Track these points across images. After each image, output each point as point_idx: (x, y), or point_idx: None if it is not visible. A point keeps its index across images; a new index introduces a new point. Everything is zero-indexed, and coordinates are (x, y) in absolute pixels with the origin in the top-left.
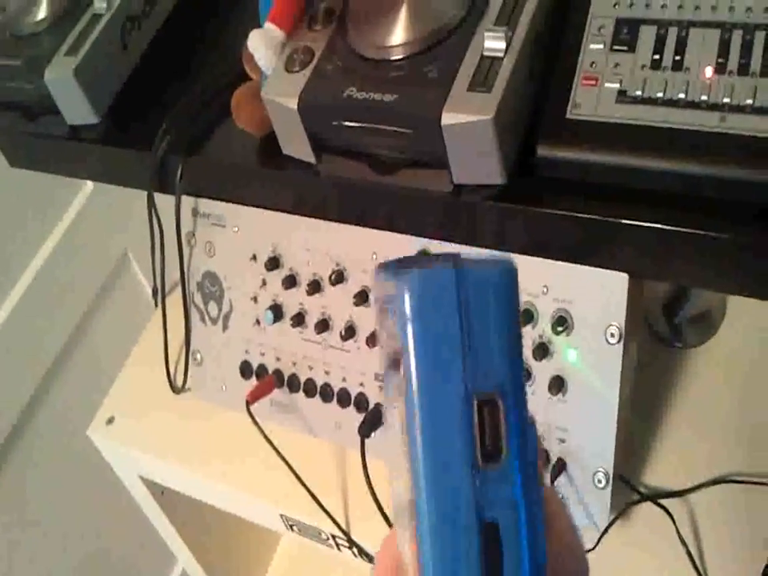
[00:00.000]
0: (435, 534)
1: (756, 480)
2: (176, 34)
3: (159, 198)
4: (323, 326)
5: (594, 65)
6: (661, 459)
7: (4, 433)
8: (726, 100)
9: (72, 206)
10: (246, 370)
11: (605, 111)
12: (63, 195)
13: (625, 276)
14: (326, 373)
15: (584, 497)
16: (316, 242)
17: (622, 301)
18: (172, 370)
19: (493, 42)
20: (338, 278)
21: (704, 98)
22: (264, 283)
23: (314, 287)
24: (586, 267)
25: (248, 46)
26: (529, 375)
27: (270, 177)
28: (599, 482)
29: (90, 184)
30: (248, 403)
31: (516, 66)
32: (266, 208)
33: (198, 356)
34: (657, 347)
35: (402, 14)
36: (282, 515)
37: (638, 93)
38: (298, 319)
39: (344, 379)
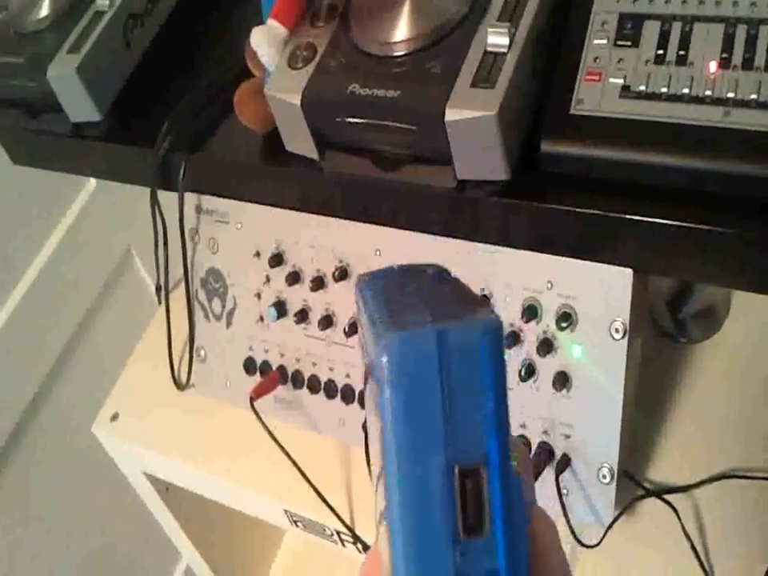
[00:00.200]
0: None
1: (761, 475)
2: (179, 31)
3: (162, 194)
4: (327, 322)
5: (597, 60)
6: (665, 454)
7: (8, 430)
8: (731, 95)
9: (75, 203)
10: (249, 366)
11: (608, 107)
12: (66, 192)
13: (629, 271)
14: (330, 369)
15: (589, 492)
16: (319, 238)
17: (626, 296)
18: (176, 367)
19: (496, 38)
20: (342, 274)
21: (708, 92)
22: (267, 280)
23: (318, 284)
24: (590, 263)
25: (251, 42)
26: (533, 371)
27: (274, 173)
28: (604, 477)
29: (92, 181)
30: (252, 399)
31: (519, 62)
32: (269, 204)
33: (202, 352)
34: (661, 343)
35: (405, 10)
36: (286, 511)
37: (642, 88)
38: (302, 316)
39: (348, 375)
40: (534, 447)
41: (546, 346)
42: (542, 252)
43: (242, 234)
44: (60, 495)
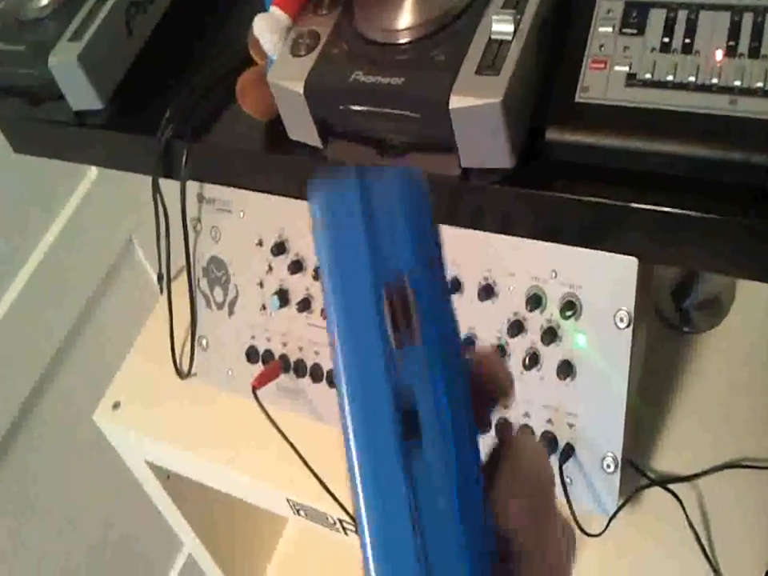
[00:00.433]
0: (355, 416)
1: (765, 465)
2: (181, 18)
3: (164, 183)
4: None
5: (602, 48)
6: (669, 444)
7: (10, 418)
8: (737, 83)
9: (76, 192)
10: (252, 355)
11: (614, 95)
12: (68, 182)
13: (634, 260)
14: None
15: (593, 481)
16: None
17: (631, 285)
18: (178, 356)
19: (501, 25)
20: None
21: (714, 81)
22: (270, 268)
23: None
24: (595, 251)
25: (253, 30)
26: (537, 360)
27: (276, 162)
28: (608, 466)
29: (94, 170)
30: (254, 388)
31: (524, 50)
32: (272, 193)
33: (204, 341)
34: (665, 332)
35: None
36: (288, 499)
37: (648, 76)
38: (305, 304)
39: None
40: (538, 437)
41: (550, 335)
42: (546, 241)
43: (244, 222)
44: (61, 484)
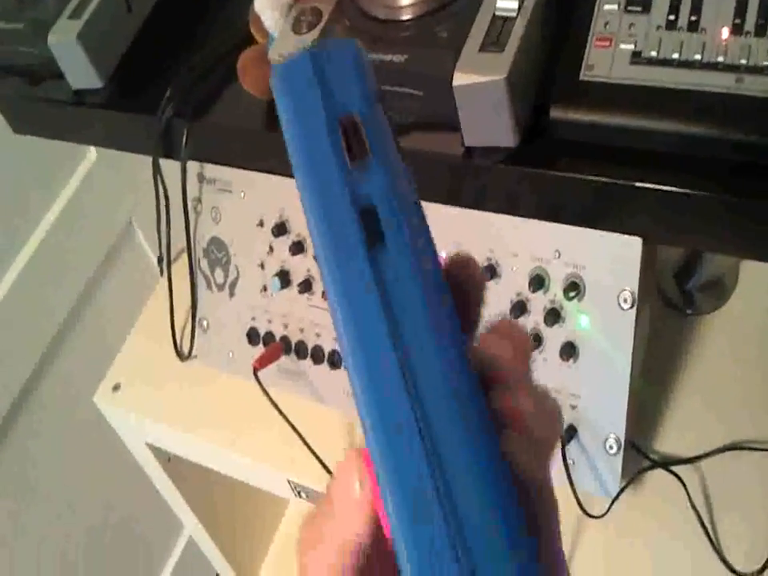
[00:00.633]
0: (317, 212)
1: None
2: None
3: (164, 163)
4: None
5: (607, 25)
6: (672, 426)
7: (10, 401)
8: (743, 61)
9: (76, 174)
10: (253, 336)
11: (619, 73)
12: (67, 163)
13: (638, 240)
14: (334, 339)
15: (595, 463)
16: None
17: (635, 266)
18: (178, 338)
19: (505, 2)
20: None
21: (720, 59)
22: (271, 249)
23: None
24: (599, 231)
25: (254, 7)
26: (540, 341)
27: (278, 141)
28: (610, 448)
29: (93, 152)
30: (255, 370)
31: (529, 26)
32: (273, 173)
33: (205, 323)
34: (668, 314)
35: None
36: (289, 481)
37: (653, 54)
38: (306, 285)
39: None
40: None
41: (554, 316)
42: (549, 221)
43: (245, 202)
44: (61, 466)
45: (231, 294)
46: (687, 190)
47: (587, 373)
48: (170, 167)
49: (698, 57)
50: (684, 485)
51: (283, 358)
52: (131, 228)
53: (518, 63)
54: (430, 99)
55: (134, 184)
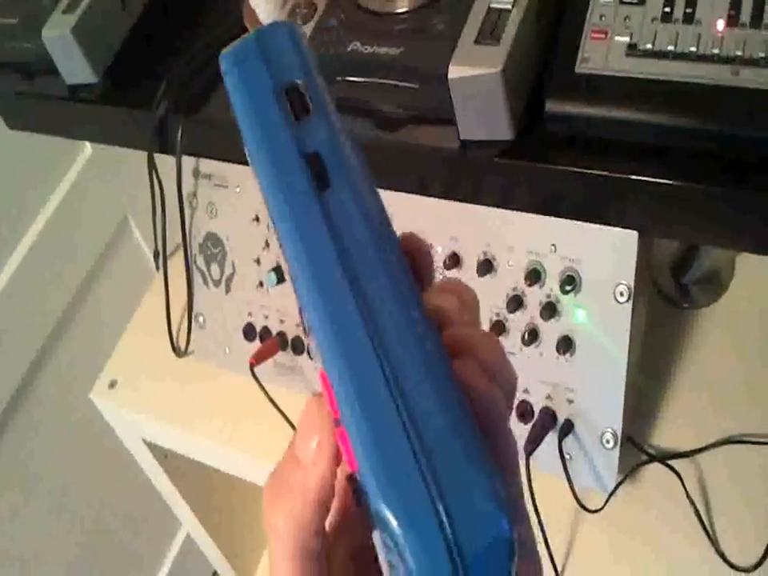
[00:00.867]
0: (268, 168)
1: (764, 440)
2: None
3: (160, 159)
4: None
5: (603, 18)
6: (669, 420)
7: (6, 397)
8: (739, 53)
9: (71, 170)
10: (249, 332)
11: (614, 65)
12: (62, 159)
13: (634, 234)
14: None
15: (592, 457)
16: None
17: (631, 259)
18: (174, 334)
19: None
20: None
21: (716, 51)
22: (267, 245)
23: None
24: (595, 225)
25: (249, 1)
26: (536, 335)
27: None
28: (607, 442)
29: (89, 148)
30: (252, 365)
31: (524, 19)
32: None
33: (201, 319)
34: (665, 308)
35: None
36: None
37: (649, 46)
38: None
39: None
40: (536, 412)
41: (550, 310)
42: (545, 214)
43: (241, 198)
44: (58, 463)
45: (227, 290)
46: (683, 183)
47: (584, 367)
48: (165, 163)
49: (693, 49)
50: (681, 479)
51: (280, 354)
52: (127, 224)
53: (514, 56)
54: (425, 92)
55: (130, 180)
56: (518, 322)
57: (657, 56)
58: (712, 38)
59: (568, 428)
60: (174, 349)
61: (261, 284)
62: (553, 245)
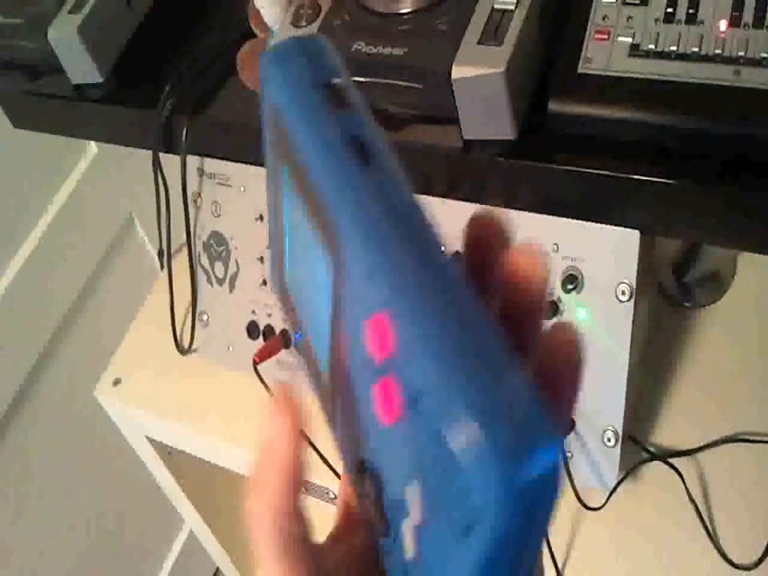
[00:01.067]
0: (315, 152)
1: (765, 439)
2: None
3: (164, 158)
4: None
5: (606, 18)
6: (670, 418)
7: (11, 395)
8: (741, 53)
9: (76, 169)
10: (252, 330)
11: (617, 65)
12: (68, 158)
13: (636, 233)
14: None
15: (593, 456)
16: None
17: (633, 258)
18: (178, 332)
19: None
20: None
21: (718, 51)
22: None
23: None
24: (597, 224)
25: (254, 2)
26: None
27: None
28: (608, 440)
29: (94, 147)
30: (255, 363)
31: (527, 20)
32: None
33: (205, 317)
34: (666, 307)
35: None
36: None
37: (651, 47)
38: None
39: None
40: None
41: (552, 309)
42: (548, 214)
43: (245, 197)
44: (62, 461)
45: (231, 288)
46: (685, 183)
47: (585, 365)
48: (170, 162)
49: (695, 49)
50: (682, 477)
51: (283, 352)
52: (132, 223)
53: (517, 56)
54: (429, 92)
55: (135, 179)
56: None
57: (659, 56)
58: (714, 39)
59: (569, 426)
60: (177, 347)
61: (264, 282)
62: (555, 244)
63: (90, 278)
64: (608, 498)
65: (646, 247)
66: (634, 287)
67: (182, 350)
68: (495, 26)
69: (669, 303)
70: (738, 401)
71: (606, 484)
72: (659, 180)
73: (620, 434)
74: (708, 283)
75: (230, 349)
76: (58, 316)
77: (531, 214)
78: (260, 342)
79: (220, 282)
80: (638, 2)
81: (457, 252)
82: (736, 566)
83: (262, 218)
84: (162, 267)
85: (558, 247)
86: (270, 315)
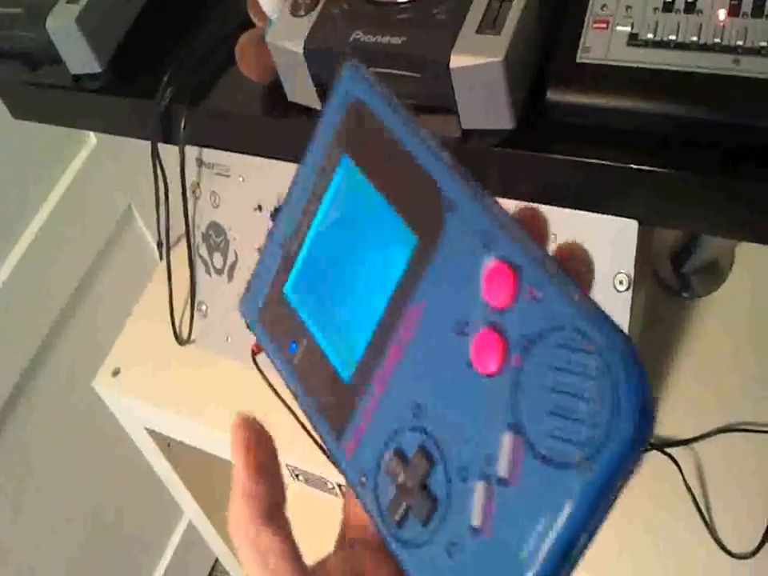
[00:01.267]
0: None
1: (762, 429)
2: None
3: (163, 148)
4: None
5: (604, 8)
6: (667, 408)
7: (10, 386)
8: (740, 42)
9: (76, 160)
10: None
11: (616, 55)
12: (67, 149)
13: (634, 223)
14: None
15: None
16: None
17: (630, 248)
18: (177, 322)
19: None
20: None
21: (717, 40)
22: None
23: None
24: (595, 214)
25: None
26: None
27: (275, 125)
28: None
29: (93, 138)
30: (254, 354)
31: (526, 9)
32: (271, 157)
33: (204, 308)
34: (664, 297)
35: None
36: (287, 465)
37: (650, 36)
38: None
39: None
40: None
41: None
42: (546, 203)
43: (243, 187)
44: (61, 452)
45: (230, 279)
46: (683, 172)
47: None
48: (169, 152)
49: (694, 38)
50: (679, 466)
51: None
52: (131, 213)
53: (515, 45)
54: (427, 82)
55: (135, 169)
56: None
57: (658, 45)
58: (713, 28)
59: None
60: (176, 337)
61: None
62: (553, 234)
63: (89, 269)
64: None
65: (644, 237)
66: (632, 277)
67: (181, 341)
68: (494, 15)
69: (666, 293)
70: (735, 391)
71: None
72: (658, 170)
73: None
74: (706, 273)
75: (229, 339)
76: (57, 307)
77: (529, 203)
78: None
79: (219, 272)
80: None
81: None
82: (732, 555)
83: (260, 208)
84: (160, 258)
85: (555, 237)
86: None
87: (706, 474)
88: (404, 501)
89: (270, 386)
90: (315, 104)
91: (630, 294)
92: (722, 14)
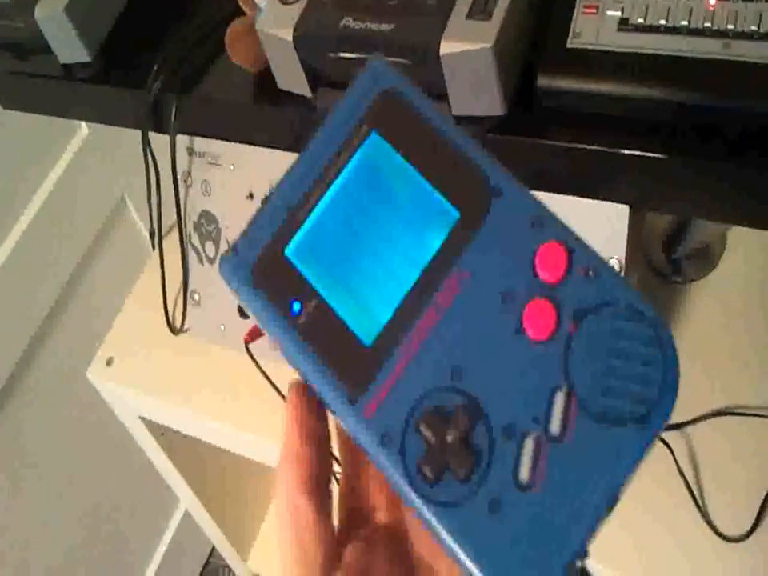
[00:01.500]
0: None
1: (755, 412)
2: None
3: (154, 138)
4: None
5: None
6: None
7: (4, 376)
8: (731, 26)
9: (67, 150)
10: (244, 309)
11: (606, 40)
12: (59, 140)
13: (625, 208)
14: None
15: None
16: None
17: (622, 233)
18: (170, 311)
19: None
20: None
21: (707, 24)
22: None
23: None
24: (586, 200)
25: None
26: None
27: (266, 113)
28: None
29: (85, 129)
30: (247, 343)
31: None
32: (262, 145)
33: (196, 296)
34: (656, 282)
35: None
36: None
37: (640, 20)
38: None
39: None
40: None
41: None
42: (536, 189)
43: (235, 175)
44: (56, 441)
45: None
46: (674, 157)
47: None
48: (160, 141)
49: (685, 23)
50: (671, 451)
51: None
52: (123, 203)
53: (506, 31)
54: (417, 68)
55: (127, 159)
56: None
57: (648, 30)
58: (704, 12)
59: None
60: (169, 326)
61: None
62: None
63: (82, 259)
64: None
65: (635, 222)
66: (624, 263)
67: (174, 330)
68: (484, 1)
69: (659, 278)
70: (728, 374)
71: None
72: (648, 155)
73: None
74: (698, 258)
75: (222, 328)
76: (50, 297)
77: None
78: (251, 321)
79: (211, 261)
80: None
81: None
82: (725, 538)
83: (252, 196)
84: (153, 247)
85: None
86: None
87: (698, 458)
88: (441, 457)
89: (264, 374)
90: (305, 91)
91: None
92: None
